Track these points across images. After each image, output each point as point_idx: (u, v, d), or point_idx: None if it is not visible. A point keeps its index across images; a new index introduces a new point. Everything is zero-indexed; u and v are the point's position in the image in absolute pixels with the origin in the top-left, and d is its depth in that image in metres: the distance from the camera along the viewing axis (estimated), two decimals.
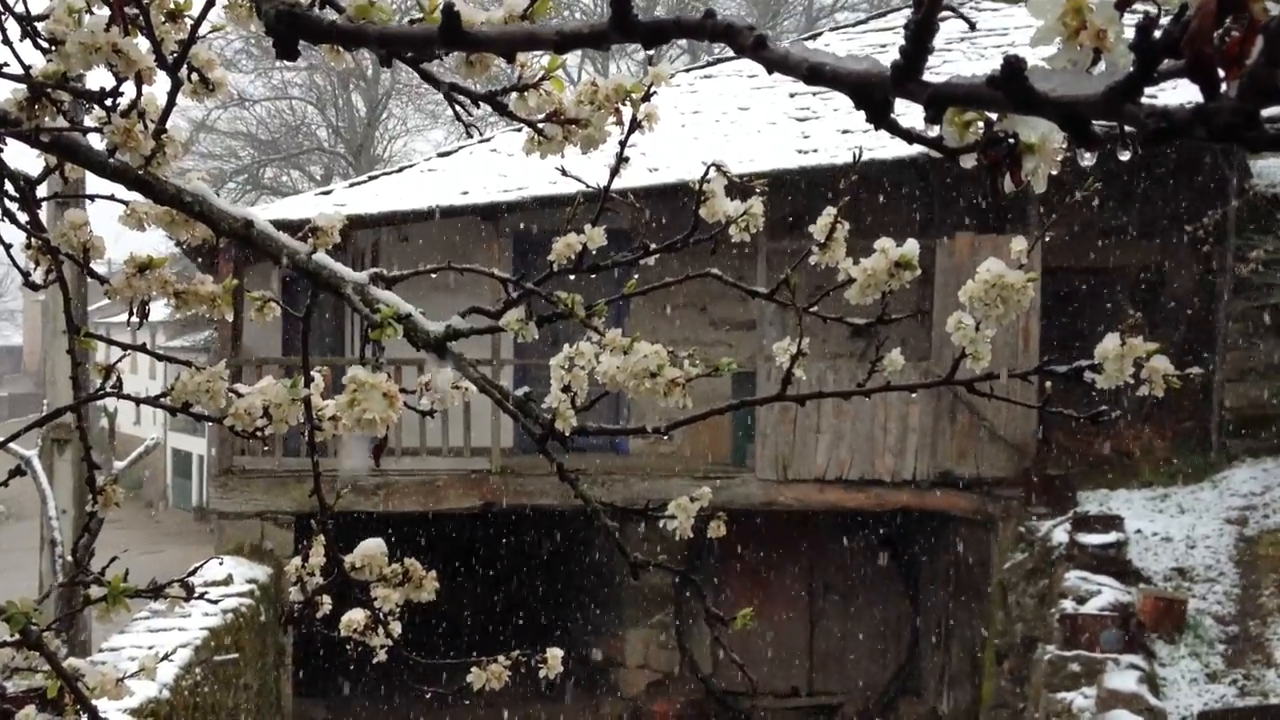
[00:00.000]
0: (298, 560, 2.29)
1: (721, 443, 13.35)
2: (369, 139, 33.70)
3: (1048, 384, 2.13)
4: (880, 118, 0.67)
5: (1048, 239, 12.00)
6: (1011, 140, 0.68)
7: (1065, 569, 9.53)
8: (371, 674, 12.96)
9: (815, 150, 12.65)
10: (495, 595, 15.04)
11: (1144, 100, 0.53)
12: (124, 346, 1.96)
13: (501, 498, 12.61)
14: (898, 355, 2.14)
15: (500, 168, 13.71)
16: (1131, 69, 0.54)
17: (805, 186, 12.01)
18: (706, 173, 1.97)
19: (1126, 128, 0.54)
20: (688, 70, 16.67)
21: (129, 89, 1.70)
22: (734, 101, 14.71)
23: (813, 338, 2.14)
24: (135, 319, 1.95)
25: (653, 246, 2.00)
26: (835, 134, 12.86)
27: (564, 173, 2.15)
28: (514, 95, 1.58)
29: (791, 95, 14.20)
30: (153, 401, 1.90)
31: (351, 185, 15.05)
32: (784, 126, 13.62)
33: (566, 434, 2.06)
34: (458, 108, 1.59)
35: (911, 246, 2.02)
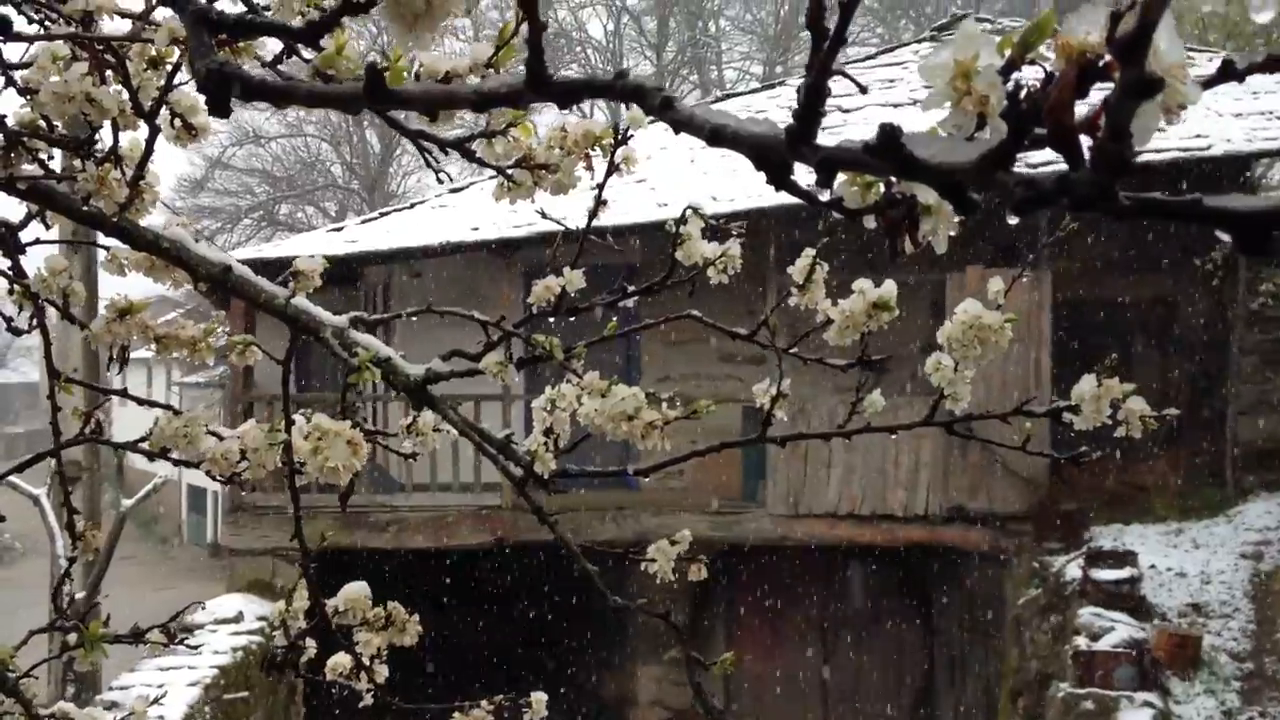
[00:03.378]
0: (281, 603, 2.28)
1: (733, 478, 13.31)
2: (383, 175, 33.93)
3: (1029, 423, 2.12)
4: (780, 180, 0.67)
5: (1058, 270, 11.99)
6: (910, 201, 0.68)
7: (1079, 605, 9.45)
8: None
9: None
10: (507, 630, 14.98)
11: (1016, 168, 0.53)
12: (104, 391, 1.97)
13: (513, 533, 12.59)
14: (878, 396, 2.13)
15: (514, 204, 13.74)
16: (1003, 137, 0.54)
17: (814, 217, 12.02)
18: (682, 216, 1.98)
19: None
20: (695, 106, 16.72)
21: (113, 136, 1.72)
22: None
23: (825, 372, 2.13)
24: (116, 363, 1.96)
25: (630, 289, 2.01)
26: None
27: (543, 214, 2.16)
28: (482, 141, 1.59)
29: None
30: (131, 446, 1.90)
31: (363, 221, 15.13)
32: None
33: (545, 477, 2.07)
34: (426, 155, 1.60)
35: (889, 288, 2.02)
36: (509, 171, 1.61)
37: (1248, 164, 12.44)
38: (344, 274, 15.10)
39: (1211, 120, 12.12)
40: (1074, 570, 10.04)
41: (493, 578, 14.70)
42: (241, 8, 1.57)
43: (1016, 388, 11.34)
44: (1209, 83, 0.65)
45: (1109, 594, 9.44)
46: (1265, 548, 10.14)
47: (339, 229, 15.14)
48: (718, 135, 0.69)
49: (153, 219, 1.99)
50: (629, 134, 1.84)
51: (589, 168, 1.70)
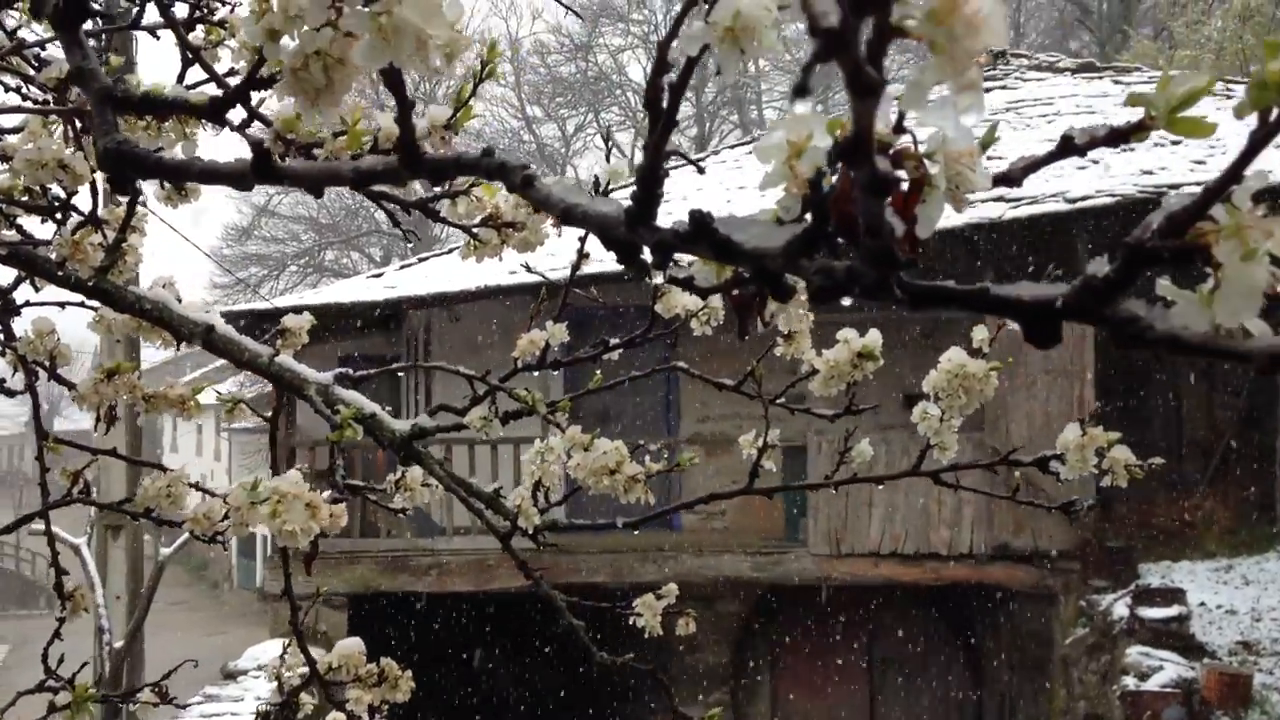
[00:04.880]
0: (276, 658, 2.28)
1: (774, 517, 13.23)
2: (424, 219, 34.22)
3: (1017, 472, 2.08)
4: (627, 258, 0.67)
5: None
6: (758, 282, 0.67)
7: (1127, 644, 9.28)
8: None
9: None
10: (548, 675, 14.93)
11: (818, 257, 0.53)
12: (93, 451, 1.99)
13: (553, 576, 12.56)
14: (866, 445, 2.11)
15: (549, 246, 13.82)
16: (807, 224, 0.53)
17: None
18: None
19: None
20: (734, 146, 16.81)
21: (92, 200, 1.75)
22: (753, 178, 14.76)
23: (863, 408, 2.09)
24: (103, 425, 1.98)
25: (613, 342, 2.00)
26: None
27: (528, 269, 2.17)
28: (446, 201, 1.60)
29: None
30: (116, 507, 1.92)
31: (402, 267, 15.27)
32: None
33: (530, 532, 2.06)
34: (391, 216, 1.61)
35: (874, 337, 2.00)
36: (474, 230, 1.61)
37: None
38: (386, 318, 15.24)
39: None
40: (1121, 609, 9.86)
41: (536, 620, 14.67)
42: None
43: (1059, 422, 11.19)
44: (1049, 157, 0.64)
45: (1157, 632, 9.26)
46: None
47: (378, 275, 15.29)
48: (569, 214, 0.69)
49: (193, 288, 2.02)
50: (610, 186, 1.84)
51: (556, 224, 1.70)
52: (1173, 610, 9.57)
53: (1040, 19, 31.47)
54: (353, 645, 2.25)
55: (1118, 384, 12.05)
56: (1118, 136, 0.59)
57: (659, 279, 0.64)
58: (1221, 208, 0.47)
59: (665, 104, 0.62)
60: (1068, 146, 0.60)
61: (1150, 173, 12.05)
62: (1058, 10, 30.17)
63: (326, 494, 1.80)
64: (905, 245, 0.49)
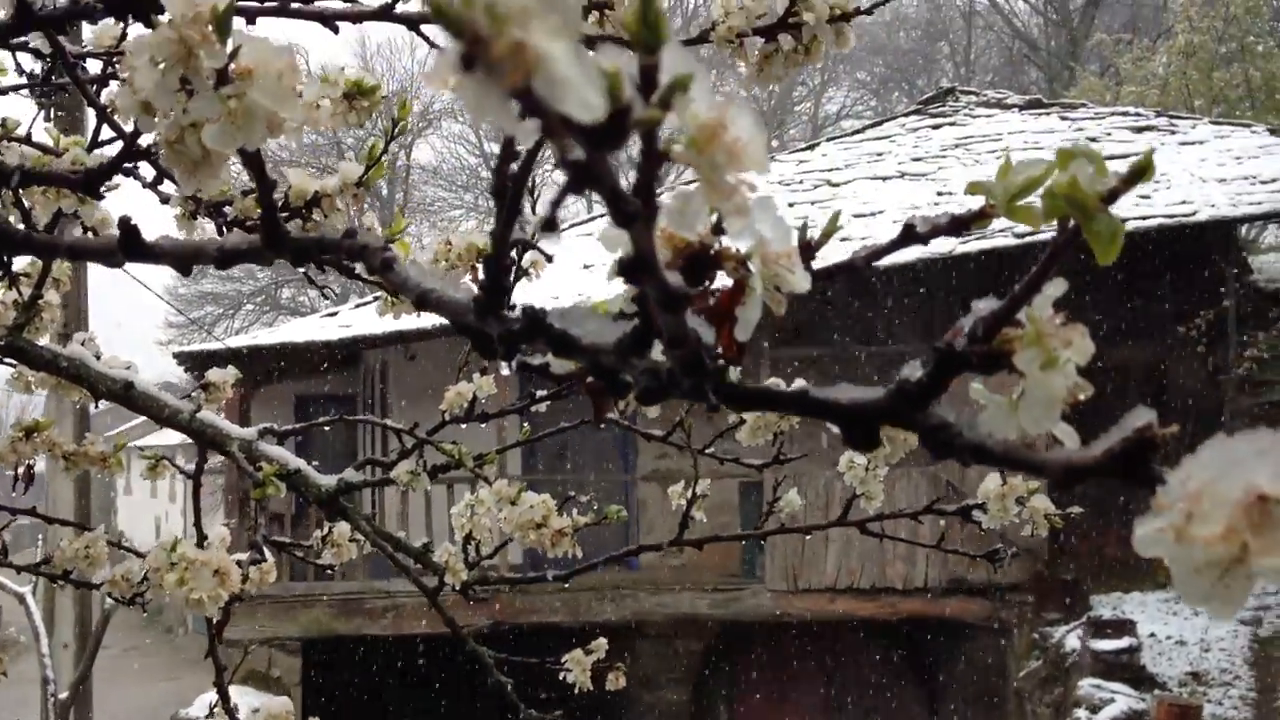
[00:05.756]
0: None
1: (731, 554, 13.21)
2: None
3: (942, 521, 2.09)
4: (484, 348, 0.67)
5: None
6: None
7: (1079, 677, 9.32)
8: None
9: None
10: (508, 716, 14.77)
11: (651, 355, 0.53)
12: (12, 511, 1.96)
13: (511, 615, 12.47)
14: (794, 495, 2.12)
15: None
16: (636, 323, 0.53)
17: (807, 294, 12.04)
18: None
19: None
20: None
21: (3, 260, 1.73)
22: None
23: (824, 444, 2.09)
24: (21, 485, 1.95)
25: (538, 394, 2.00)
26: (836, 244, 12.91)
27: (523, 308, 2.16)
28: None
29: (792, 205, 14.34)
30: (34, 569, 1.89)
31: (357, 306, 15.20)
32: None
33: (457, 588, 2.05)
34: (307, 274, 1.60)
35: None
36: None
37: (1232, 228, 12.46)
38: (342, 357, 15.15)
39: (1196, 186, 12.18)
40: (1074, 641, 9.91)
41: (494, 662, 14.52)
42: None
43: None
44: (891, 246, 0.64)
45: (1109, 664, 9.31)
46: (1264, 613, 10.00)
47: (333, 314, 15.21)
48: (424, 300, 0.70)
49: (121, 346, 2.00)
50: (536, 239, 1.84)
51: (475, 280, 1.70)
52: (1124, 642, 9.63)
53: (990, 55, 31.93)
54: (280, 705, 2.22)
55: (1071, 412, 12.14)
56: (959, 225, 0.60)
57: (505, 370, 0.64)
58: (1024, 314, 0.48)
59: (510, 195, 0.62)
60: (910, 235, 0.61)
61: None
62: (1007, 47, 30.63)
63: (247, 555, 1.78)
64: (725, 347, 0.49)
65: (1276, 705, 8.74)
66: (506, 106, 0.30)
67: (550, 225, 0.40)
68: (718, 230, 0.47)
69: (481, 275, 0.66)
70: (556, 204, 0.40)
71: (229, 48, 0.67)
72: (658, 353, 0.57)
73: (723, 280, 0.60)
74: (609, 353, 0.54)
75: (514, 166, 0.66)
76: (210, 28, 0.66)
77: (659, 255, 0.52)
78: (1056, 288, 0.48)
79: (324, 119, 0.77)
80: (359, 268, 1.65)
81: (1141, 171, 0.43)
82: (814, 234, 0.56)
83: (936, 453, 0.47)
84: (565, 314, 0.60)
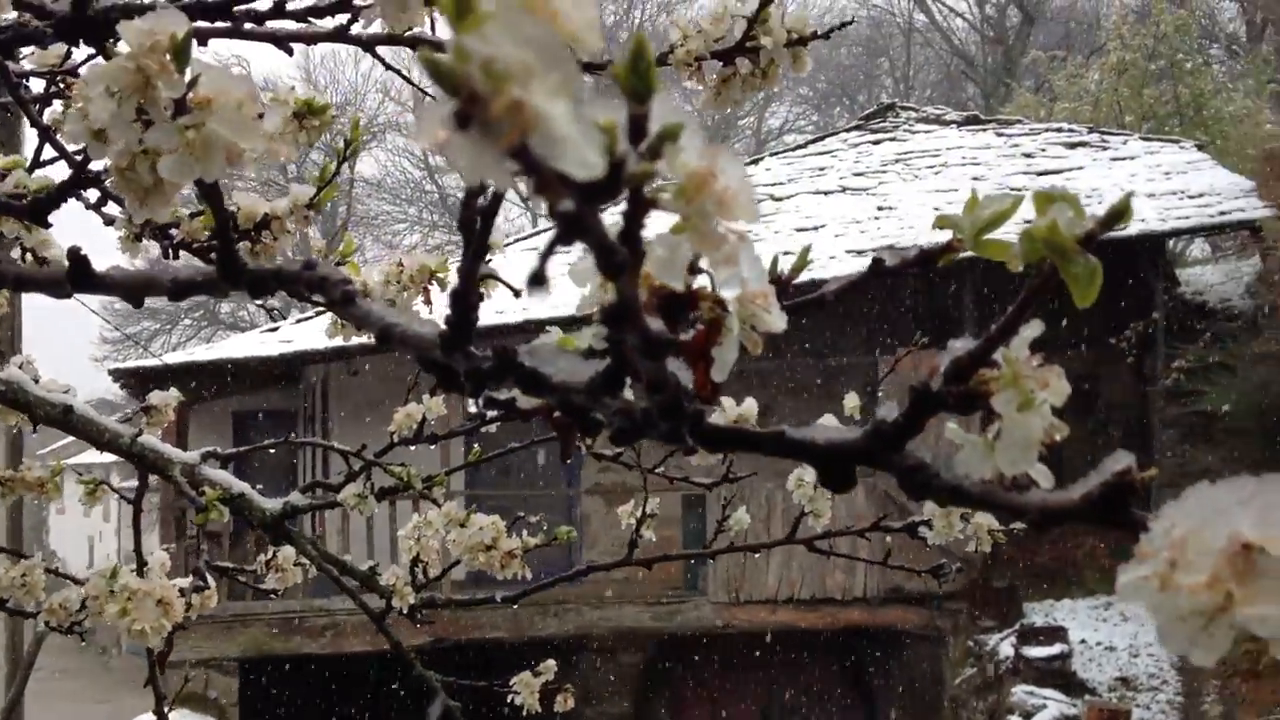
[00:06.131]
0: None
1: (674, 567, 13.21)
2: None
3: (888, 538, 2.10)
4: (448, 383, 0.66)
5: None
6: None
7: (1012, 684, 9.44)
8: None
9: None
10: None
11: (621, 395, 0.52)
12: None
13: (454, 632, 12.38)
14: (743, 514, 2.12)
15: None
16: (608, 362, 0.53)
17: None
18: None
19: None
20: None
21: None
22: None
23: (741, 476, 2.09)
24: None
25: (487, 416, 1.99)
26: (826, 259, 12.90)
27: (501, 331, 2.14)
28: None
29: (777, 232, 14.31)
30: None
31: (299, 321, 15.02)
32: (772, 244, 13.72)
33: (404, 612, 2.03)
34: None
35: (750, 406, 2.00)
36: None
37: (1163, 242, 12.69)
38: (283, 373, 14.98)
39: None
40: (1007, 648, 10.03)
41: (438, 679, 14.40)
42: None
43: None
44: (863, 279, 0.64)
45: (1041, 671, 9.43)
46: None
47: (274, 329, 15.02)
48: (387, 334, 0.69)
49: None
50: (489, 257, 1.82)
51: (428, 301, 1.68)
52: (1055, 649, 9.76)
53: (929, 71, 32.33)
54: None
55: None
56: (927, 259, 0.61)
57: (472, 408, 0.64)
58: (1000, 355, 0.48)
59: (479, 229, 0.62)
60: (879, 269, 0.62)
61: None
62: (945, 64, 31.03)
63: (189, 581, 1.75)
64: (700, 387, 0.49)
65: (1203, 709, 8.90)
66: (502, 165, 0.30)
67: (538, 280, 0.40)
68: (693, 270, 0.47)
69: (449, 311, 0.65)
70: (546, 257, 0.39)
71: (187, 77, 0.66)
72: (629, 391, 0.56)
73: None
74: (580, 392, 0.54)
75: (482, 200, 0.65)
76: (168, 57, 0.65)
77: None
78: (1033, 329, 0.48)
79: (283, 150, 0.75)
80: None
81: (1119, 215, 0.44)
82: (783, 269, 0.56)
83: (914, 494, 0.47)
84: (534, 351, 0.59)
